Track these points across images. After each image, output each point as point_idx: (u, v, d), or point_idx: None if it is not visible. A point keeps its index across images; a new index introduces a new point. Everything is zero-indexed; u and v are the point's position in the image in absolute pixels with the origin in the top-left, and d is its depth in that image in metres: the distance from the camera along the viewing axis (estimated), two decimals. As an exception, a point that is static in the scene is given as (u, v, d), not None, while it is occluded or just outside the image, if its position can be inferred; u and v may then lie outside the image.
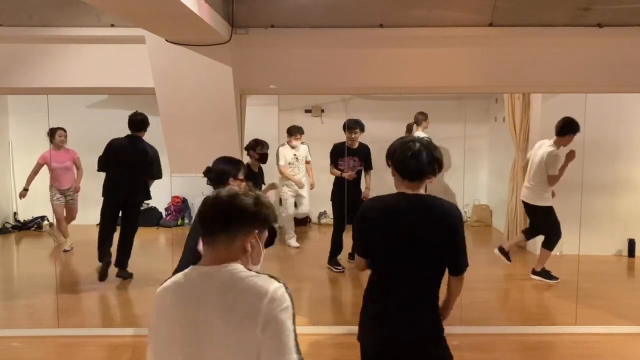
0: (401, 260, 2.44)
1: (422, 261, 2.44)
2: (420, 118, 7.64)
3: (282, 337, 1.62)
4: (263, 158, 6.07)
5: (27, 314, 5.32)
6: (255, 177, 5.87)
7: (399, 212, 2.45)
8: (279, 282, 1.67)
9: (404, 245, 2.43)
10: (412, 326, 2.46)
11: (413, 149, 2.47)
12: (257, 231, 1.73)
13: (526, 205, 5.96)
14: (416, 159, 2.45)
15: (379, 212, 2.48)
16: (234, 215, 1.69)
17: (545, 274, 5.86)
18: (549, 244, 5.84)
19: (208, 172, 3.49)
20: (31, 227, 8.15)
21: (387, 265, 2.49)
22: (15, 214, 8.31)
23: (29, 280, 6.44)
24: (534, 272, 5.92)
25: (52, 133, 6.66)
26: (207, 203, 1.73)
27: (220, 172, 3.46)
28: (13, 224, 8.25)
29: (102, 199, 6.12)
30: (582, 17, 4.02)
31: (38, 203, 7.95)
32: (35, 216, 8.16)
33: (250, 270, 1.70)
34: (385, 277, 2.51)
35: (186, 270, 1.74)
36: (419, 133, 7.74)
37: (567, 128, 5.59)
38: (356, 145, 6.64)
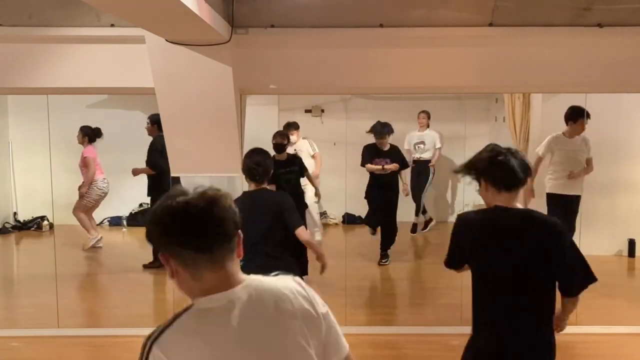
0: (505, 281, 2.36)
1: (525, 282, 2.35)
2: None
3: None
4: (276, 148, 5.95)
5: (27, 314, 5.32)
6: (285, 167, 5.82)
7: (501, 228, 2.37)
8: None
9: (507, 265, 2.35)
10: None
11: (504, 154, 2.37)
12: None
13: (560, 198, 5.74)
14: (511, 166, 2.35)
15: (479, 228, 2.41)
16: (230, 220, 1.38)
17: None
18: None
19: (258, 166, 3.62)
20: (31, 227, 8.15)
21: (492, 286, 2.40)
22: (15, 214, 8.31)
23: (29, 280, 6.44)
24: None
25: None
26: (188, 213, 1.34)
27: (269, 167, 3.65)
28: (13, 224, 8.25)
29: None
30: (582, 17, 4.01)
31: (38, 203, 7.96)
32: (35, 216, 8.16)
33: None
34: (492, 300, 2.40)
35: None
36: (427, 131, 7.74)
37: (566, 117, 5.66)
38: (387, 147, 6.76)
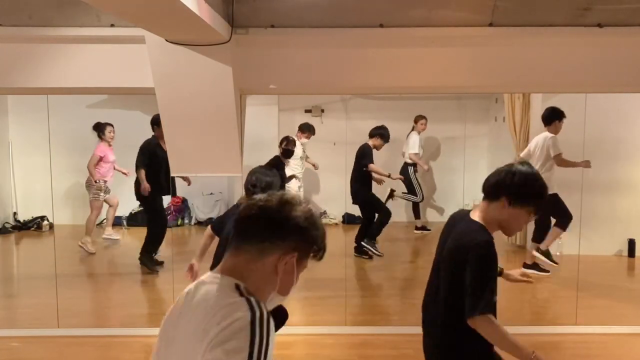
0: None
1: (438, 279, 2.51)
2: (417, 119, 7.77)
3: None
4: (286, 153, 6.14)
5: (27, 314, 5.32)
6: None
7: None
8: (255, 310, 1.30)
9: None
10: None
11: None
12: (297, 254, 1.41)
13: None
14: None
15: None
16: (278, 225, 1.40)
17: (547, 254, 5.94)
18: (564, 223, 5.89)
19: (254, 187, 3.32)
20: (31, 227, 8.15)
21: None
22: (15, 214, 8.31)
23: (29, 280, 6.44)
24: (538, 250, 5.98)
25: (100, 128, 7.05)
26: (252, 206, 1.44)
27: (269, 185, 3.31)
28: (13, 224, 8.25)
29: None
30: (582, 17, 4.01)
31: (38, 203, 7.96)
32: (35, 216, 8.16)
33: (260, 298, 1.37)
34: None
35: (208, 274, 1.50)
36: (414, 135, 7.82)
37: (550, 117, 5.93)
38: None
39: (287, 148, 6.28)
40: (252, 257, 1.39)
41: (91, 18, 4.14)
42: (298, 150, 7.29)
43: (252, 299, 1.33)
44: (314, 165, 7.65)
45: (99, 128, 7.09)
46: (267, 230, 1.39)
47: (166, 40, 3.91)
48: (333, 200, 8.17)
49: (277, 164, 6.32)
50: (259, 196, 1.48)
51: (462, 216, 2.47)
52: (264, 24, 4.07)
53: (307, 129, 7.41)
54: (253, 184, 3.38)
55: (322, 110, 8.52)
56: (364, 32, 4.12)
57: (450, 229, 2.46)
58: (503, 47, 4.28)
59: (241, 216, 1.44)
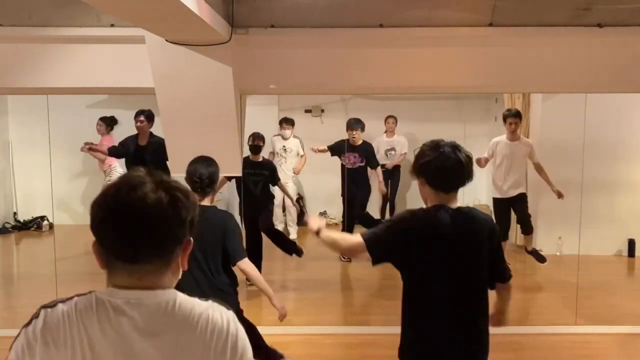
0: (456, 280, 2.36)
1: (471, 278, 2.38)
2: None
3: None
4: (252, 149, 6.03)
5: (27, 314, 5.30)
6: (256, 168, 5.92)
7: (445, 226, 2.32)
8: (227, 309, 1.35)
9: (453, 264, 2.35)
10: (476, 348, 2.43)
11: (451, 156, 2.33)
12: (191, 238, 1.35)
13: (521, 197, 5.98)
14: (454, 169, 2.34)
15: (426, 227, 2.34)
16: (180, 225, 1.28)
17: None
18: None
19: (202, 178, 3.14)
20: (31, 227, 8.15)
21: (442, 288, 2.40)
22: (15, 214, 8.31)
23: (29, 280, 6.45)
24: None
25: (113, 122, 7.32)
26: (127, 207, 1.23)
27: (213, 175, 3.21)
28: (13, 224, 8.25)
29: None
30: (582, 17, 4.01)
31: (38, 203, 7.97)
32: (35, 216, 8.17)
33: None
34: (441, 299, 2.42)
35: (100, 295, 1.29)
36: (396, 137, 7.82)
37: None
38: (358, 142, 6.88)
39: (252, 144, 6.14)
40: (164, 262, 1.30)
41: (91, 18, 4.14)
42: (278, 145, 7.41)
43: (211, 300, 1.35)
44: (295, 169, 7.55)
45: (113, 121, 7.26)
46: (174, 237, 1.29)
47: (166, 40, 3.92)
48: (333, 200, 8.17)
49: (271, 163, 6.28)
50: (136, 193, 1.24)
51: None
52: (264, 24, 4.07)
53: (284, 121, 7.45)
54: (199, 177, 3.16)
55: (322, 110, 8.52)
56: (364, 32, 4.12)
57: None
58: (503, 47, 4.28)
59: (141, 225, 1.23)
